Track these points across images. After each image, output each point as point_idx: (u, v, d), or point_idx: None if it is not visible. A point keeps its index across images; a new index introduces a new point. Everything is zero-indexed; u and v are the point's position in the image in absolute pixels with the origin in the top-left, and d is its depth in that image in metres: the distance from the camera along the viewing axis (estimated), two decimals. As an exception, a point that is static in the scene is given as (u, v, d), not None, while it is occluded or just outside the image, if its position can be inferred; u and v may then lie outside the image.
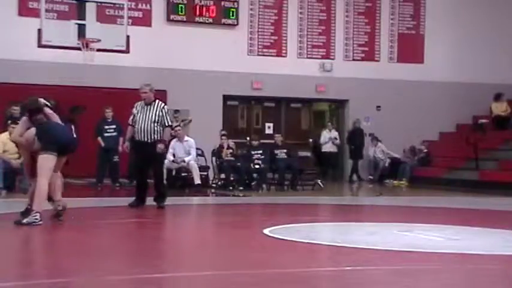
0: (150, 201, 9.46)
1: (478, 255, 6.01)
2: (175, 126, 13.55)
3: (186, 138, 13.28)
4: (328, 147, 16.52)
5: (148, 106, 9.23)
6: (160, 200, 9.37)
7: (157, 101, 9.34)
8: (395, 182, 15.85)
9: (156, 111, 9.18)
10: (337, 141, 16.58)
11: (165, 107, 9.42)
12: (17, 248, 6.49)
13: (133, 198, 9.41)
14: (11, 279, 4.77)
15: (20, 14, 14.46)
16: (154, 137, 9.15)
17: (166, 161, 12.95)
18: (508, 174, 14.32)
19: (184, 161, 12.99)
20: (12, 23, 14.22)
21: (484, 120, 16.69)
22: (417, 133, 16.45)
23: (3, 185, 11.28)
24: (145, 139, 9.16)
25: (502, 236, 7.34)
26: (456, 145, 16.02)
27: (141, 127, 9.18)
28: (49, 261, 5.54)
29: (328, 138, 16.50)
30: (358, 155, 16.76)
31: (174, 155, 13.04)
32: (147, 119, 9.16)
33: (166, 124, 9.25)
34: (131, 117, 9.35)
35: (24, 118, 7.70)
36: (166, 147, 10.51)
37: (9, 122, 11.85)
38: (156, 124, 9.17)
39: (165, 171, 12.77)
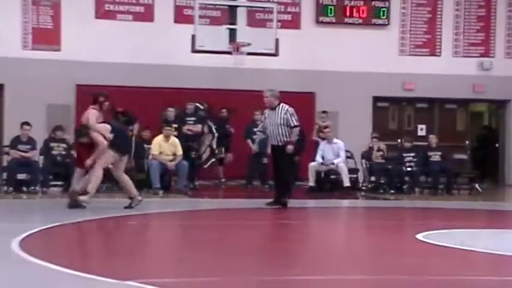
0: (293, 203, 9.51)
1: None
2: (325, 128, 13.43)
3: (335, 140, 13.11)
4: None
5: (274, 110, 9.63)
6: (281, 197, 9.59)
7: (281, 104, 9.70)
8: None
9: (281, 114, 9.55)
10: None
11: (289, 109, 9.70)
12: (167, 245, 6.68)
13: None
14: (167, 275, 4.87)
15: (176, 21, 15.06)
16: (283, 140, 9.51)
17: (315, 163, 12.89)
18: None
19: (333, 163, 12.81)
20: (169, 30, 14.83)
21: None
22: None
23: (160, 185, 11.74)
24: (276, 142, 9.57)
25: None
26: None
27: (270, 132, 9.63)
28: (200, 260, 5.61)
29: None
30: None
31: (323, 157, 12.91)
32: (273, 123, 9.55)
33: (292, 125, 9.56)
34: (261, 124, 10.16)
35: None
36: (298, 148, 10.61)
37: (164, 124, 12.37)
38: (283, 127, 9.54)
39: (314, 173, 12.79)
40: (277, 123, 9.54)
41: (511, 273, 5.15)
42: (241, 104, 13.89)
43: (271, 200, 9.69)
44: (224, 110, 13.81)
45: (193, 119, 13.16)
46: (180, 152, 11.99)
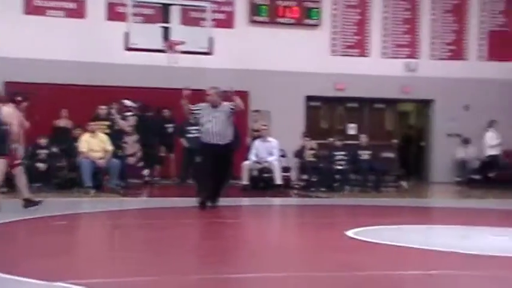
0: (228, 201, 9.54)
1: None
2: (263, 125, 13.59)
3: (269, 138, 13.29)
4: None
5: (216, 109, 9.27)
6: (217, 196, 9.40)
7: (225, 103, 9.34)
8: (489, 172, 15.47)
9: (226, 112, 9.22)
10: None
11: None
12: (98, 246, 6.64)
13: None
14: (109, 276, 4.87)
15: (109, 18, 14.90)
16: (228, 139, 9.25)
17: (249, 162, 13.03)
18: None
19: (266, 162, 12.99)
20: (101, 27, 14.66)
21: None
22: (510, 133, 15.79)
23: (92, 184, 11.60)
24: (219, 141, 9.21)
25: None
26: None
27: (212, 130, 9.20)
28: (133, 260, 5.62)
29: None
30: None
31: (256, 155, 13.07)
32: (219, 122, 9.18)
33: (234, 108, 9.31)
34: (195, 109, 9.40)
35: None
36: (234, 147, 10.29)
37: (92, 121, 12.22)
38: (229, 126, 9.30)
39: (248, 171, 12.91)
40: (223, 122, 9.24)
41: (437, 267, 5.39)
42: (177, 102, 13.87)
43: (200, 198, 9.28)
44: (166, 110, 13.86)
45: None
46: (109, 147, 11.89)
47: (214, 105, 9.30)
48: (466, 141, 16.18)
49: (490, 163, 15.84)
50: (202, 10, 14.27)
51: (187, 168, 13.68)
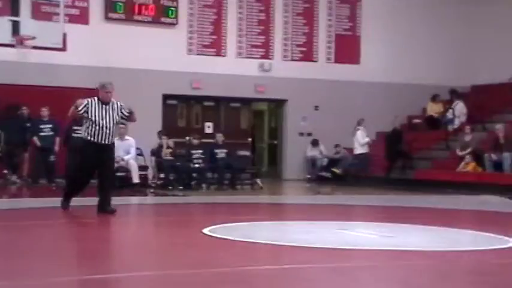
0: (83, 201, 9.38)
1: (412, 252, 6.19)
2: (120, 124, 13.43)
3: (126, 137, 13.17)
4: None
5: (107, 106, 8.49)
6: (107, 201, 8.79)
7: (114, 100, 8.62)
8: (333, 169, 16.31)
9: (117, 111, 8.51)
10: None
11: (122, 104, 8.70)
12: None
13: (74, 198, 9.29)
14: None
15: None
16: (112, 139, 8.64)
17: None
18: (441, 172, 14.79)
19: (123, 160, 12.87)
20: None
21: (416, 120, 17.18)
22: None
23: None
24: (107, 141, 8.51)
25: (436, 233, 7.59)
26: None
27: (103, 128, 8.45)
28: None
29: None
30: None
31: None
32: (110, 120, 8.46)
33: (127, 114, 8.63)
34: (82, 108, 8.46)
35: None
36: None
37: None
38: (116, 125, 8.70)
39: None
40: (114, 120, 8.52)
41: (290, 261, 5.67)
42: (28, 100, 13.41)
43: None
44: (25, 108, 13.33)
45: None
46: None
47: (106, 103, 8.53)
48: (314, 143, 16.98)
49: (334, 161, 16.75)
50: (55, 5, 13.87)
51: (39, 168, 13.26)
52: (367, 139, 16.02)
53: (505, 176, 13.46)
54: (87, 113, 8.45)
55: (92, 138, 8.46)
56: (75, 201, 9.19)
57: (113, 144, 8.72)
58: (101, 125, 8.42)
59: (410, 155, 15.94)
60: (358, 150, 16.07)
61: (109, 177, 8.72)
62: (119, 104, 8.60)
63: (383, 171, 15.91)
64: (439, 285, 4.96)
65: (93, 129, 8.43)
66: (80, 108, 8.49)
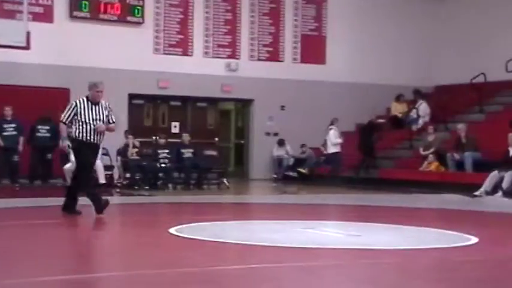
0: (51, 202, 9.29)
1: (377, 250, 6.29)
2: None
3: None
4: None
5: (96, 106, 8.38)
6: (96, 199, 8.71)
7: (103, 101, 8.54)
8: (300, 169, 16.42)
9: (104, 111, 8.42)
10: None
11: (109, 104, 8.61)
12: None
13: (39, 198, 9.18)
14: None
15: None
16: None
17: (69, 165, 12.65)
18: (404, 172, 15.01)
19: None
20: None
21: (381, 120, 17.40)
22: (320, 132, 16.88)
23: None
24: (96, 140, 8.42)
25: (400, 231, 7.72)
26: (355, 144, 16.57)
27: (91, 127, 8.33)
28: None
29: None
30: None
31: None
32: (97, 119, 8.35)
33: (112, 122, 8.54)
34: (68, 115, 8.38)
35: None
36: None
37: None
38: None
39: (70, 173, 12.46)
40: (101, 119, 8.39)
41: (258, 261, 5.71)
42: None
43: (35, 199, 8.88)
44: None
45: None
46: None
47: (96, 102, 8.40)
48: (281, 142, 17.07)
49: (300, 161, 16.87)
50: (18, 2, 13.69)
51: (2, 168, 13.08)
52: (339, 140, 16.06)
53: (466, 175, 13.71)
54: (77, 114, 8.33)
55: (86, 138, 8.35)
56: (38, 202, 9.12)
57: (100, 143, 8.62)
58: (91, 125, 8.33)
59: (374, 153, 16.07)
60: (331, 149, 16.10)
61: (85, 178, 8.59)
62: (107, 107, 8.51)
63: (348, 171, 16.07)
64: (404, 282, 5.06)
65: (85, 129, 8.33)
66: (66, 115, 8.37)
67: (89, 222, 8.75)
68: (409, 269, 5.52)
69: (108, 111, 8.51)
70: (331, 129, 16.13)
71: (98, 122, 8.36)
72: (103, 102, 8.51)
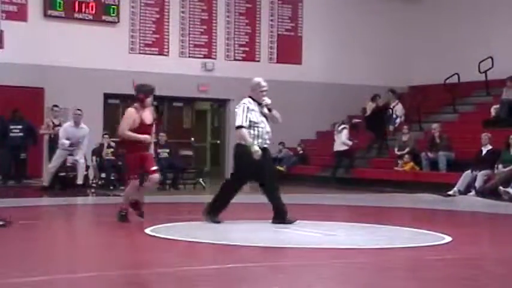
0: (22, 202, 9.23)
1: (352, 250, 6.35)
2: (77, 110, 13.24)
3: (82, 125, 13.05)
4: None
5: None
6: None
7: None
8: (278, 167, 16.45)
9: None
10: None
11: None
12: None
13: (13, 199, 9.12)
14: None
15: None
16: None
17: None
18: (378, 172, 15.13)
19: (76, 160, 12.76)
20: None
21: (357, 120, 17.51)
22: (296, 132, 16.94)
23: None
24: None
25: (373, 230, 7.79)
26: (331, 144, 16.65)
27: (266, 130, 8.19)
28: None
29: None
30: None
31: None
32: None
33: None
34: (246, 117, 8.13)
35: None
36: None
37: None
38: None
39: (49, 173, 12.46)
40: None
41: (232, 261, 5.73)
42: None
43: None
44: None
45: None
46: None
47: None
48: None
49: (277, 160, 16.89)
50: (-9, 1, 13.54)
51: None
52: (349, 141, 15.96)
53: (440, 174, 13.86)
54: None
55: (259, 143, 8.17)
56: (13, 202, 9.04)
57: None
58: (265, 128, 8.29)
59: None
60: (341, 147, 15.97)
61: None
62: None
63: (319, 170, 16.16)
64: (378, 281, 5.12)
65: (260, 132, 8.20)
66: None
67: (63, 223, 8.71)
68: (383, 268, 5.59)
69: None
70: (344, 128, 16.07)
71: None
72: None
